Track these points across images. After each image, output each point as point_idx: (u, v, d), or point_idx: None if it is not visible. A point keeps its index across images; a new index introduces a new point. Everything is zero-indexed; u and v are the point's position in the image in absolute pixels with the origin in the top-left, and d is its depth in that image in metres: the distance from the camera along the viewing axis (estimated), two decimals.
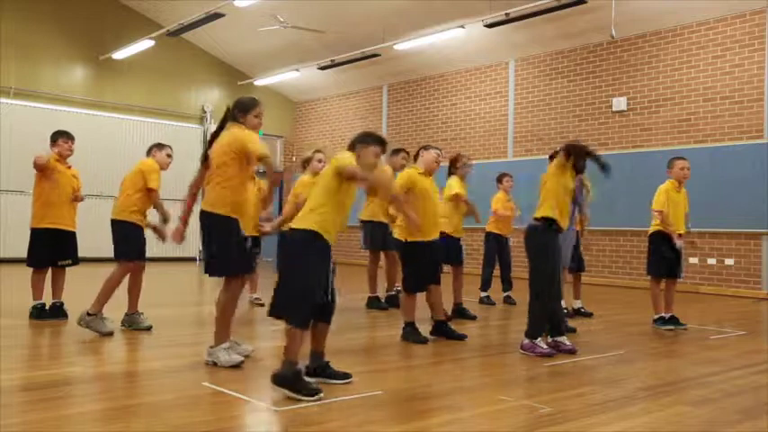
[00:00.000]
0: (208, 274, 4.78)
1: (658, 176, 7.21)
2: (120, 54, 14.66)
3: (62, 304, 6.43)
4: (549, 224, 5.34)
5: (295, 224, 4.06)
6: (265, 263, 8.36)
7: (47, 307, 6.40)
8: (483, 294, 8.71)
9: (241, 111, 4.73)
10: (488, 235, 8.83)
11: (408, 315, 5.87)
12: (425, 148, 6.20)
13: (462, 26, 12.01)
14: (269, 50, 15.48)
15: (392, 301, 7.87)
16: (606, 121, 12.18)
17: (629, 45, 11.89)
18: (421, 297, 5.96)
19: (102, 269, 5.93)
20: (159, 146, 6.28)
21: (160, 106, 15.89)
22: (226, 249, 4.66)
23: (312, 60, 15.06)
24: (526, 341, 5.36)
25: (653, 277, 7.00)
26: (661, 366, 5.32)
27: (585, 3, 10.42)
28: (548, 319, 5.43)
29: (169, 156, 6.26)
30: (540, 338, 5.34)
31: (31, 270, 6.47)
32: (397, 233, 6.07)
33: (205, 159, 4.82)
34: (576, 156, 5.29)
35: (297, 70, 15.60)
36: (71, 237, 6.49)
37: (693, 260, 10.65)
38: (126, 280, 5.99)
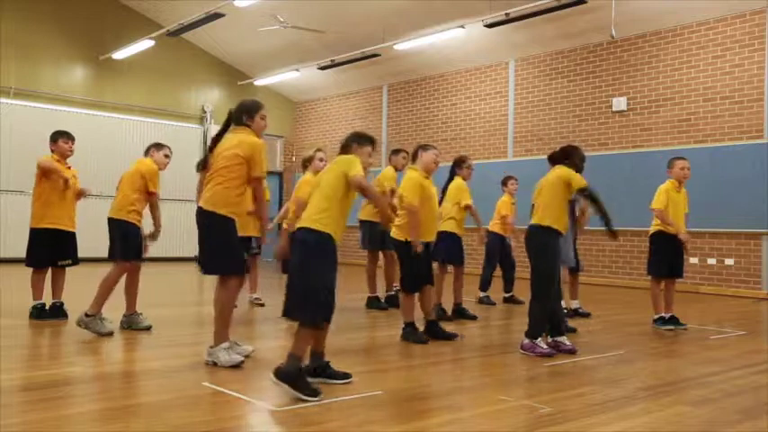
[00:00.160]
0: (204, 273, 4.82)
1: (658, 176, 7.21)
2: (120, 54, 14.66)
3: (62, 304, 6.43)
4: (547, 228, 5.35)
5: (305, 224, 4.03)
6: (265, 263, 8.37)
7: (47, 307, 6.40)
8: (482, 294, 8.71)
9: (247, 113, 4.73)
10: (491, 235, 8.82)
11: (408, 315, 5.87)
12: (423, 148, 6.18)
13: (462, 26, 12.01)
14: (269, 50, 15.48)
15: (392, 301, 7.87)
16: (606, 121, 12.18)
17: (629, 45, 11.89)
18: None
19: (101, 269, 5.93)
20: (157, 146, 6.25)
21: (160, 106, 15.89)
22: (224, 248, 4.67)
23: (312, 60, 15.06)
24: (526, 341, 5.36)
25: (653, 277, 7.00)
26: (661, 366, 5.32)
27: (585, 3, 10.42)
28: (548, 320, 5.43)
29: (167, 156, 6.24)
30: (540, 338, 5.34)
31: (30, 270, 6.47)
32: (395, 233, 6.07)
33: (205, 164, 4.82)
34: (590, 197, 5.33)
35: (297, 70, 15.60)
36: (71, 237, 6.48)
37: (693, 260, 10.65)
38: (123, 280, 5.99)
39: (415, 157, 6.24)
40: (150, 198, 6.01)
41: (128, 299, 6.03)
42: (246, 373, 4.48)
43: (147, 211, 6.12)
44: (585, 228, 8.00)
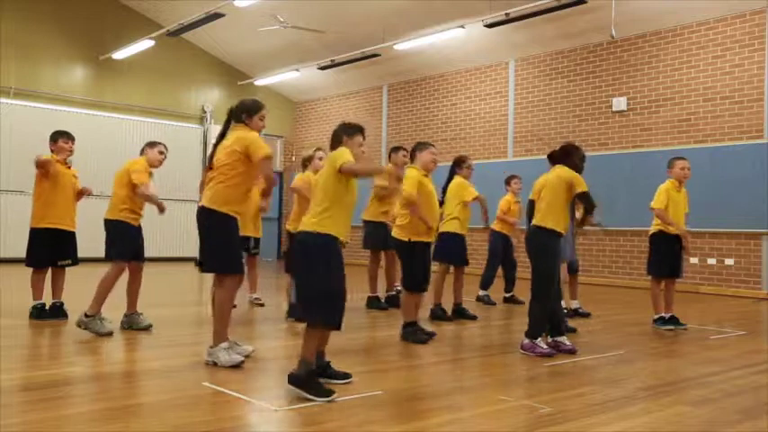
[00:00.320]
0: (203, 271, 4.83)
1: (658, 176, 7.21)
2: (120, 54, 14.66)
3: (62, 304, 6.43)
4: (549, 230, 5.35)
5: (306, 227, 4.02)
6: (265, 263, 8.37)
7: (47, 307, 6.40)
8: (482, 293, 8.71)
9: (247, 113, 4.74)
10: (495, 234, 8.82)
11: (409, 315, 5.87)
12: (420, 148, 6.19)
13: (462, 26, 12.01)
14: (269, 50, 15.48)
15: (392, 301, 7.88)
16: (606, 121, 12.18)
17: (629, 45, 11.89)
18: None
19: (101, 269, 5.92)
20: (151, 144, 6.22)
21: (160, 106, 15.89)
22: (224, 247, 4.68)
23: (312, 60, 15.06)
24: (526, 341, 5.36)
25: (653, 277, 7.00)
26: (661, 366, 5.32)
27: (585, 3, 10.42)
28: (548, 320, 5.43)
29: (161, 153, 6.18)
30: (540, 338, 5.34)
31: (30, 270, 6.47)
32: (396, 232, 6.07)
33: (210, 162, 4.83)
34: (588, 207, 5.32)
35: (297, 70, 15.60)
36: (71, 237, 6.48)
37: (693, 260, 10.65)
38: (124, 280, 5.99)
39: (413, 158, 6.25)
40: (135, 191, 5.87)
41: (129, 299, 6.03)
42: (246, 373, 4.48)
43: (147, 212, 6.12)
44: (585, 228, 8.01)
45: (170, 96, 16.16)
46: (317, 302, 3.93)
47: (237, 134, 4.69)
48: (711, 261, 10.76)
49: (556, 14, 11.15)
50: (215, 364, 4.56)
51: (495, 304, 8.55)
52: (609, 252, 11.98)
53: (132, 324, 5.99)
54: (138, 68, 15.40)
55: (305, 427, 3.45)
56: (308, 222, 4.02)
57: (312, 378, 3.87)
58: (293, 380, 3.85)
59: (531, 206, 5.56)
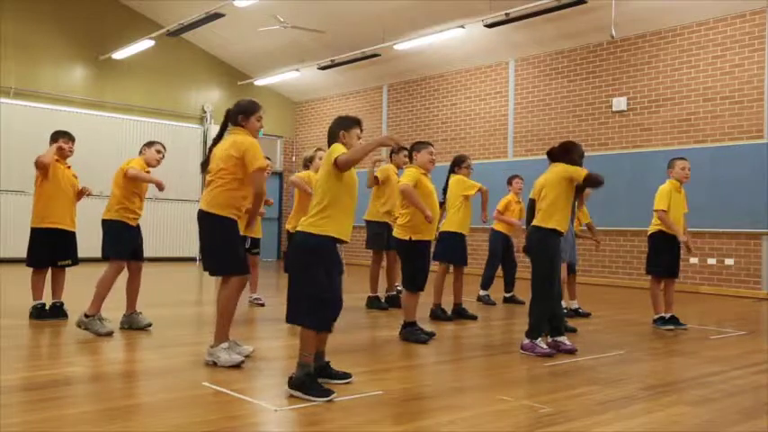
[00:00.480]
0: (208, 273, 4.84)
1: (658, 176, 7.21)
2: (120, 54, 14.66)
3: (62, 304, 6.43)
4: (551, 230, 5.35)
5: (304, 228, 4.01)
6: (266, 263, 8.37)
7: (47, 307, 6.40)
8: (483, 293, 8.71)
9: (243, 114, 4.74)
10: (495, 234, 8.82)
11: (410, 314, 5.87)
12: (418, 148, 6.19)
13: (462, 26, 12.01)
14: (269, 50, 15.48)
15: (392, 301, 7.88)
16: (606, 121, 12.18)
17: (629, 45, 11.89)
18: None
19: (101, 269, 5.93)
20: (149, 144, 6.24)
21: (160, 106, 15.89)
22: (224, 249, 4.69)
23: (312, 60, 15.06)
24: (526, 341, 5.36)
25: (653, 277, 7.00)
26: (661, 366, 5.32)
27: (585, 3, 10.42)
28: (548, 320, 5.43)
29: (159, 152, 6.19)
30: (540, 338, 5.34)
31: (30, 270, 6.47)
32: (397, 232, 6.08)
33: (205, 165, 4.83)
34: (595, 186, 5.33)
35: (297, 70, 15.60)
36: (71, 237, 6.48)
37: (693, 260, 10.65)
38: (124, 280, 5.99)
39: (411, 158, 6.26)
40: (127, 175, 5.83)
41: (128, 299, 6.03)
42: (247, 373, 4.48)
43: (148, 212, 6.11)
44: (582, 228, 8.02)
45: (170, 96, 16.16)
46: (307, 305, 3.92)
47: (234, 138, 4.69)
48: (711, 261, 10.76)
49: (556, 14, 11.15)
50: (215, 363, 4.56)
51: (495, 304, 8.55)
52: (609, 252, 11.98)
53: (132, 324, 5.99)
54: (138, 68, 15.39)
55: (305, 427, 3.45)
56: (306, 223, 4.02)
57: (312, 380, 3.87)
58: (293, 384, 3.86)
59: (532, 206, 5.56)
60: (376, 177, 7.72)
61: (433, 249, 6.68)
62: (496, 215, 8.73)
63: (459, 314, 7.30)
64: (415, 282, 5.87)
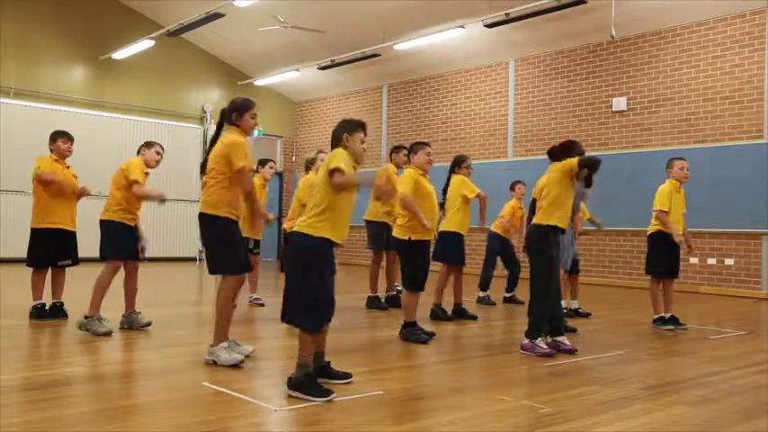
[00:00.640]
0: (209, 272, 4.87)
1: (658, 176, 7.21)
2: (120, 54, 14.66)
3: (62, 304, 6.43)
4: (551, 227, 5.35)
5: (301, 228, 4.01)
6: (265, 263, 8.38)
7: (47, 307, 6.40)
8: (482, 294, 8.71)
9: (237, 112, 4.74)
10: (492, 235, 8.82)
11: (410, 314, 5.87)
12: (415, 149, 6.21)
13: (462, 26, 12.01)
14: (269, 50, 15.48)
15: (392, 301, 7.88)
16: (606, 121, 12.18)
17: (629, 45, 11.89)
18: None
19: (101, 269, 5.93)
20: (148, 144, 6.23)
21: (160, 106, 15.89)
22: (223, 249, 4.71)
23: (312, 60, 15.06)
24: (526, 341, 5.36)
25: (653, 277, 7.00)
26: (661, 366, 5.33)
27: (585, 3, 10.42)
28: (548, 320, 5.43)
29: (158, 153, 6.18)
30: (540, 338, 5.34)
31: (30, 270, 6.47)
32: (397, 232, 6.08)
33: (203, 167, 4.85)
34: (591, 167, 5.30)
35: (297, 70, 15.60)
36: (71, 237, 6.47)
37: (693, 260, 10.65)
38: (121, 281, 5.99)
39: (410, 159, 6.27)
40: (133, 188, 5.86)
41: (126, 299, 6.03)
42: (247, 373, 4.48)
43: (149, 213, 6.11)
44: (581, 228, 8.01)
45: (170, 96, 16.16)
46: (304, 305, 3.93)
47: (223, 138, 4.72)
48: (711, 261, 10.76)
49: (556, 14, 11.15)
50: (215, 363, 4.57)
51: (494, 304, 8.55)
52: (609, 252, 11.98)
53: (132, 323, 6.00)
54: (137, 68, 15.39)
55: (305, 427, 3.45)
56: (303, 224, 4.01)
57: (312, 380, 3.88)
58: (293, 384, 3.86)
59: (534, 205, 5.58)
60: None
61: (432, 249, 6.68)
62: (504, 222, 8.68)
63: (460, 314, 7.30)
64: (415, 281, 5.87)
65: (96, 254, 5.97)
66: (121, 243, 5.93)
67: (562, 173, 5.33)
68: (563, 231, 5.43)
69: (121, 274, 6.01)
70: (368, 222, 8.08)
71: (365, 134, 4.23)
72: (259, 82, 16.71)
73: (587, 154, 5.60)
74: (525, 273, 6.10)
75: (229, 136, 4.70)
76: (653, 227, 6.94)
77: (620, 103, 11.95)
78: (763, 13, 10.36)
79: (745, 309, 9.05)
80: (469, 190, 7.26)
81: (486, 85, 14.14)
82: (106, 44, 14.85)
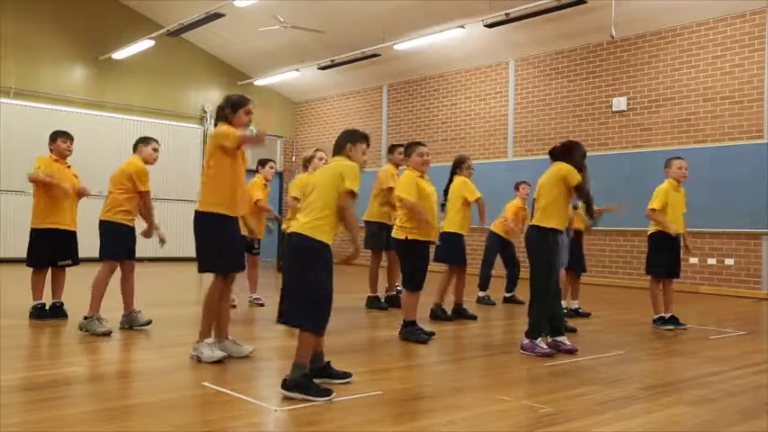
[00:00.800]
0: (198, 270, 4.84)
1: (658, 176, 7.21)
2: (120, 54, 14.66)
3: (62, 304, 6.43)
4: (550, 229, 5.35)
5: (301, 230, 4.00)
6: (265, 263, 8.37)
7: (47, 307, 6.40)
8: (482, 294, 8.71)
9: (231, 108, 4.74)
10: (491, 235, 8.82)
11: (410, 314, 5.87)
12: (408, 152, 6.21)
13: (462, 26, 12.01)
14: (269, 50, 15.48)
15: (392, 301, 7.88)
16: (606, 121, 12.18)
17: (629, 45, 11.89)
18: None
19: (98, 269, 5.92)
20: (145, 141, 6.16)
21: (160, 106, 15.88)
22: (208, 246, 4.71)
23: (312, 60, 15.06)
24: (526, 341, 5.36)
25: (652, 277, 7.00)
26: (661, 366, 5.33)
27: (585, 3, 10.42)
28: (548, 320, 5.43)
29: (155, 150, 6.14)
30: (540, 338, 5.34)
31: (30, 270, 6.47)
32: (396, 232, 6.08)
33: None
34: (582, 196, 5.34)
35: (297, 70, 15.60)
36: (72, 237, 6.47)
37: (693, 260, 10.65)
38: (118, 281, 5.99)
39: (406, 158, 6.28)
40: (143, 197, 5.96)
41: (124, 299, 6.03)
42: (247, 373, 4.49)
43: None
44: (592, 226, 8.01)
45: (170, 96, 16.16)
46: (305, 307, 3.93)
47: (211, 131, 4.76)
48: (711, 261, 10.76)
49: (556, 14, 11.15)
50: (199, 359, 4.60)
51: (494, 304, 8.54)
52: (609, 252, 11.98)
53: (132, 323, 6.00)
54: (137, 68, 15.39)
55: (304, 427, 3.45)
56: (305, 226, 4.00)
57: (309, 380, 3.86)
58: (289, 385, 3.84)
59: (535, 205, 5.60)
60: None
61: (433, 250, 6.68)
62: (506, 221, 8.68)
63: (460, 314, 7.30)
64: (414, 281, 5.88)
65: (96, 254, 5.97)
66: (120, 244, 5.93)
67: (559, 177, 5.33)
68: (560, 232, 5.43)
69: (118, 273, 6.01)
70: (367, 222, 8.07)
71: (368, 146, 4.29)
72: (259, 82, 16.71)
73: (589, 154, 5.60)
74: (525, 273, 6.10)
75: (216, 129, 4.75)
76: (653, 227, 6.94)
77: (620, 103, 11.95)
78: (763, 13, 10.36)
79: (745, 309, 9.05)
80: (470, 193, 7.26)
81: (486, 85, 14.14)
82: (106, 44, 14.85)
